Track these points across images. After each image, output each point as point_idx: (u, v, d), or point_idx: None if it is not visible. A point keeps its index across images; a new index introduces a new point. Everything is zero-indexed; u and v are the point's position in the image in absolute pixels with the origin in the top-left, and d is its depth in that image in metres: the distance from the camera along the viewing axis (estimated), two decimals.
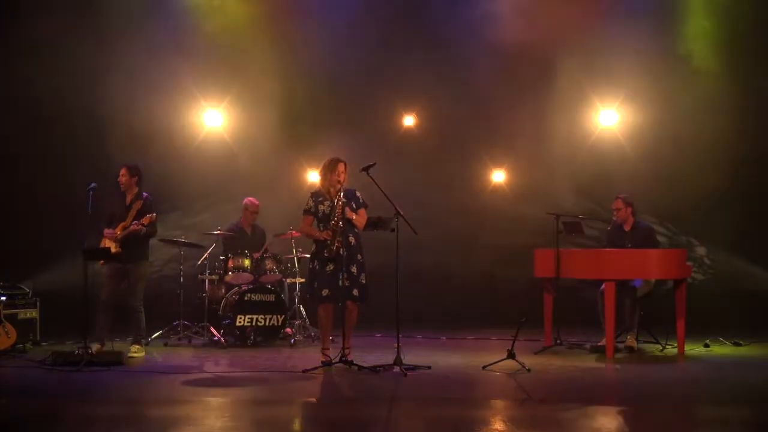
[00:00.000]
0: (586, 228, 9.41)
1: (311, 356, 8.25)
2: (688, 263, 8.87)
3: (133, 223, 8.39)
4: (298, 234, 9.74)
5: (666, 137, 11.21)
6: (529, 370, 7.58)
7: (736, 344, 9.25)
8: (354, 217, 7.73)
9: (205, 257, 9.85)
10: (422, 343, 9.62)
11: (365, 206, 7.90)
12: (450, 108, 11.45)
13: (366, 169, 7.72)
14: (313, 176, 11.50)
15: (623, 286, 8.67)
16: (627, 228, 9.14)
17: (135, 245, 8.52)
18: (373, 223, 7.78)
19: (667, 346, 8.83)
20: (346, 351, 7.83)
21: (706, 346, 9.08)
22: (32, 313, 9.13)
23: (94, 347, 8.26)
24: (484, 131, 11.49)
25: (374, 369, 7.61)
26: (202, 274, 9.80)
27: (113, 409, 6.38)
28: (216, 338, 9.36)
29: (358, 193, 7.90)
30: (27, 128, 11.19)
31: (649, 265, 8.46)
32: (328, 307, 7.82)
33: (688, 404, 6.60)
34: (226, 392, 7.02)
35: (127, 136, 11.07)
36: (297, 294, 9.79)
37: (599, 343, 8.79)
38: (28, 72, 11.04)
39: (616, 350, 8.50)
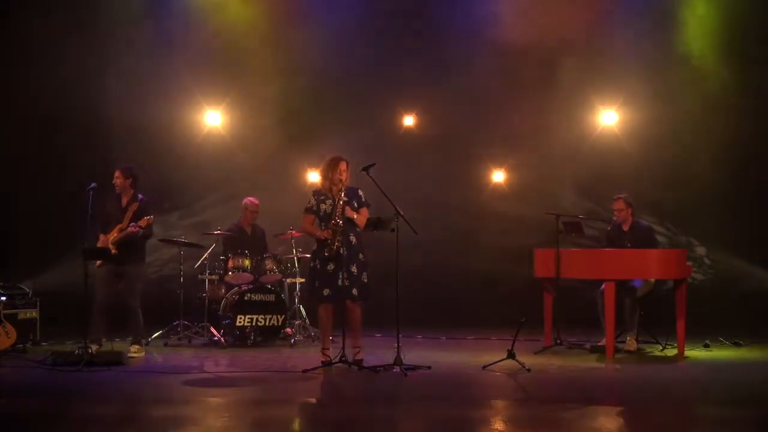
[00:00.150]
0: (586, 228, 9.41)
1: (311, 356, 8.25)
2: (688, 263, 8.87)
3: (131, 225, 8.38)
4: (298, 234, 9.75)
5: (666, 137, 11.21)
6: (529, 370, 7.57)
7: (736, 344, 9.25)
8: (355, 216, 7.73)
9: (205, 257, 9.85)
10: (422, 343, 9.63)
11: (367, 205, 7.89)
12: (450, 108, 11.45)
13: (366, 169, 7.72)
14: (313, 176, 11.52)
15: (623, 286, 8.67)
16: (626, 228, 9.14)
17: (131, 247, 8.51)
18: (373, 224, 7.78)
19: (667, 346, 8.83)
20: (355, 351, 7.83)
21: (706, 346, 9.07)
22: (32, 313, 9.13)
23: (93, 348, 8.25)
24: (484, 131, 11.49)
25: (374, 369, 7.61)
26: (202, 274, 9.80)
27: (113, 409, 6.38)
28: (216, 338, 9.36)
29: (360, 192, 7.89)
30: (27, 128, 11.20)
31: (649, 265, 8.45)
32: (328, 306, 7.82)
33: (688, 404, 6.60)
34: (226, 392, 7.02)
35: (127, 136, 11.10)
36: (297, 294, 9.79)
37: (599, 343, 8.79)
38: (29, 72, 11.05)
39: (616, 350, 8.50)
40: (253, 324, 9.26)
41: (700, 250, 11.49)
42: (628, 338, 8.82)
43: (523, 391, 6.89)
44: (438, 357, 8.50)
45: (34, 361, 8.10)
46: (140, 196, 8.64)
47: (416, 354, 8.45)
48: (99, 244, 8.50)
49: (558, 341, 8.96)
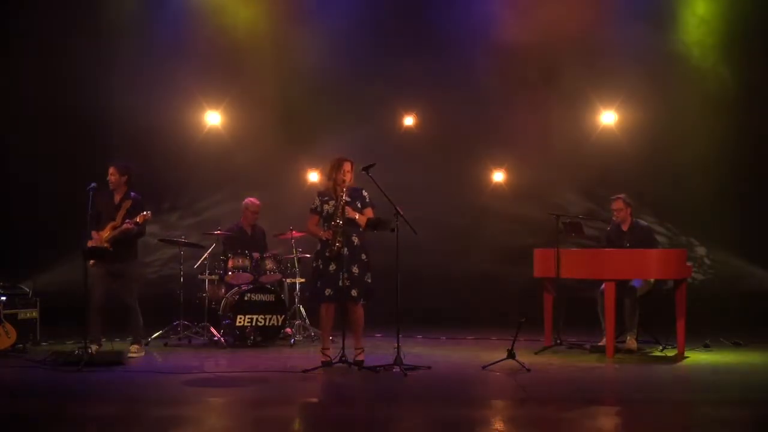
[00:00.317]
0: (586, 228, 9.41)
1: (311, 356, 8.25)
2: (688, 263, 8.87)
3: (126, 221, 8.37)
4: (298, 234, 9.76)
5: (666, 137, 11.21)
6: (529, 370, 7.58)
7: (736, 344, 9.25)
8: (357, 216, 7.73)
9: (205, 257, 9.85)
10: (422, 343, 9.63)
11: (371, 206, 7.89)
12: (450, 108, 11.45)
13: (366, 169, 7.74)
14: (313, 176, 11.54)
15: (623, 286, 8.67)
16: (625, 228, 9.14)
17: (125, 245, 8.50)
18: (373, 224, 7.78)
19: (667, 347, 8.83)
20: (357, 351, 7.84)
21: (706, 346, 9.07)
22: (32, 313, 9.12)
23: (93, 348, 8.25)
24: (484, 131, 11.49)
25: (374, 369, 7.61)
26: (202, 274, 9.80)
27: (113, 409, 6.38)
28: (216, 338, 9.36)
29: (364, 193, 7.90)
30: (27, 128, 11.20)
31: (648, 265, 8.45)
32: (329, 306, 7.83)
33: (688, 404, 6.59)
34: (226, 392, 7.02)
35: (127, 136, 11.11)
36: (297, 294, 9.79)
37: (599, 343, 8.79)
38: (29, 72, 11.06)
39: (616, 350, 8.50)
40: (253, 324, 9.26)
41: (700, 250, 11.49)
42: (628, 338, 8.82)
43: (523, 391, 6.89)
44: (438, 357, 8.51)
45: (34, 361, 8.09)
46: (133, 193, 8.62)
47: (416, 354, 8.46)
48: (93, 242, 8.45)
49: (558, 341, 8.96)
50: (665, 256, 8.69)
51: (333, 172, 7.82)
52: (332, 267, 7.71)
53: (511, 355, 7.74)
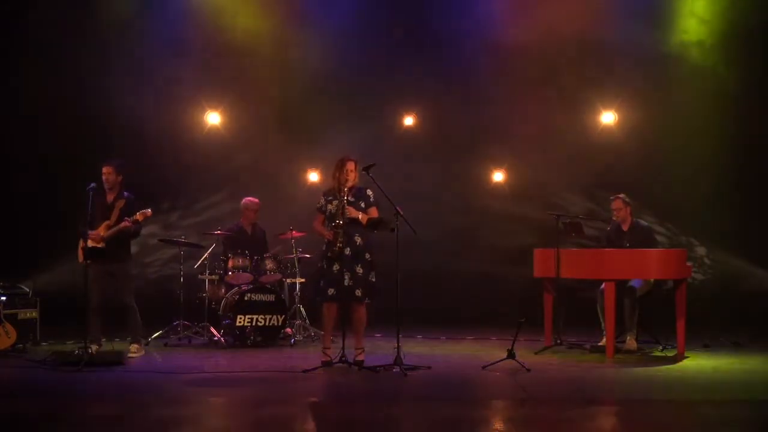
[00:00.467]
0: (586, 228, 9.41)
1: (311, 356, 8.26)
2: (688, 263, 8.86)
3: (125, 219, 8.36)
4: (298, 234, 9.76)
5: (666, 137, 11.21)
6: (529, 370, 7.58)
7: (736, 344, 9.25)
8: (359, 216, 7.74)
9: (205, 257, 9.85)
10: (422, 343, 9.63)
11: (376, 205, 7.90)
12: (450, 108, 11.46)
13: (366, 169, 7.77)
14: (313, 176, 11.54)
15: (622, 286, 8.67)
16: (625, 228, 9.14)
17: (119, 244, 8.50)
18: (372, 223, 7.79)
19: (667, 346, 8.83)
20: (357, 351, 7.85)
21: (706, 346, 9.07)
22: (32, 313, 9.11)
23: (93, 348, 8.25)
24: (484, 131, 11.49)
25: (374, 369, 7.61)
26: (202, 274, 9.80)
27: (113, 409, 6.38)
28: (216, 338, 9.36)
29: (369, 192, 7.91)
30: (27, 129, 11.20)
31: (648, 265, 8.45)
32: (331, 306, 7.84)
33: (688, 404, 6.59)
34: (226, 392, 7.02)
35: (127, 136, 11.10)
36: (297, 294, 9.79)
37: (599, 343, 8.79)
38: (29, 73, 11.05)
39: (616, 350, 8.50)
40: (253, 324, 9.26)
41: (700, 250, 11.48)
42: (627, 338, 8.82)
43: (523, 391, 6.89)
44: (438, 357, 8.51)
45: (34, 361, 8.09)
46: (126, 193, 8.62)
47: (416, 354, 8.46)
48: (90, 242, 8.43)
49: (558, 341, 8.96)
50: (665, 256, 8.69)
51: (336, 171, 7.85)
52: (335, 267, 7.73)
53: (511, 355, 7.74)
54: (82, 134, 11.03)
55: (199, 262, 9.94)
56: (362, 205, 7.83)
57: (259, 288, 9.38)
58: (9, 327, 8.68)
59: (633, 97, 11.20)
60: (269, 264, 9.62)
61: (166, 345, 9.33)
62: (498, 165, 11.64)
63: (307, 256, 9.80)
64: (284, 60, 11.38)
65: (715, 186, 11.07)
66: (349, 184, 7.78)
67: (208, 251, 9.87)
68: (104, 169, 8.55)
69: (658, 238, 10.14)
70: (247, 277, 9.50)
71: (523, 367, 7.62)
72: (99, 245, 8.35)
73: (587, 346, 8.99)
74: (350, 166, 7.81)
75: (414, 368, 7.63)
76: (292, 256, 9.80)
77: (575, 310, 9.49)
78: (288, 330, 9.64)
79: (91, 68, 11.02)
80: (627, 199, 9.13)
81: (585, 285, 9.42)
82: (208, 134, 11.61)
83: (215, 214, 11.53)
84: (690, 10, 11.19)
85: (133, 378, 7.51)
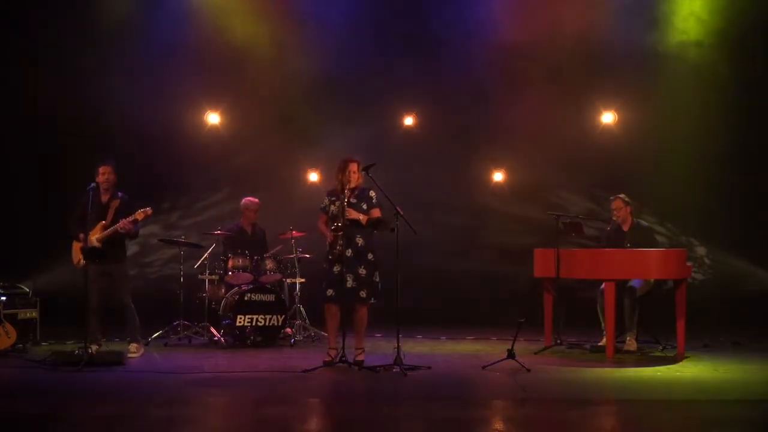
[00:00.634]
0: (586, 228, 9.41)
1: (311, 356, 8.26)
2: (688, 263, 8.87)
3: (130, 220, 8.35)
4: (298, 234, 9.76)
5: (666, 136, 11.20)
6: (529, 370, 7.58)
7: (736, 344, 9.25)
8: (359, 218, 7.74)
9: (205, 257, 9.85)
10: (422, 343, 9.63)
11: (378, 207, 7.90)
12: (450, 108, 11.45)
13: (366, 169, 7.77)
14: (313, 176, 11.54)
15: (623, 286, 8.67)
16: (625, 228, 9.14)
17: (116, 245, 8.51)
18: (372, 223, 7.80)
19: (667, 346, 8.83)
20: (357, 351, 7.86)
21: (706, 346, 9.07)
22: (32, 313, 9.11)
23: (93, 348, 8.25)
24: (484, 131, 11.49)
25: (374, 369, 7.61)
26: (202, 274, 9.80)
27: (113, 409, 6.37)
28: (216, 338, 9.36)
29: (371, 193, 7.91)
30: (27, 129, 11.19)
31: (648, 265, 8.45)
32: (331, 306, 7.86)
33: (688, 404, 6.59)
34: (226, 392, 7.02)
35: (127, 136, 11.10)
36: (297, 294, 9.79)
37: (599, 343, 8.79)
38: (29, 72, 11.05)
39: (616, 350, 8.49)
40: (253, 324, 9.26)
41: (700, 250, 11.48)
42: (627, 338, 8.81)
43: (523, 391, 6.89)
44: (438, 357, 8.51)
45: (34, 361, 8.09)
46: (120, 193, 8.61)
47: (416, 354, 8.46)
48: (78, 240, 8.43)
49: (558, 341, 8.96)
50: (665, 256, 8.69)
51: (338, 172, 7.88)
52: (336, 268, 7.74)
53: (511, 355, 7.74)
54: (82, 134, 11.03)
55: (199, 262, 9.94)
56: (364, 206, 7.83)
57: (259, 288, 9.37)
58: (9, 327, 8.68)
59: (633, 97, 11.19)
60: (269, 264, 9.62)
61: (166, 345, 9.33)
62: (498, 165, 11.63)
63: (307, 256, 9.80)
64: (284, 60, 11.37)
65: (715, 186, 11.07)
66: (352, 185, 7.79)
67: (208, 251, 9.87)
68: (103, 169, 8.54)
69: (658, 238, 10.13)
70: (247, 277, 9.50)
71: (523, 367, 7.62)
72: (97, 246, 8.34)
73: (587, 346, 8.99)
74: (353, 167, 7.82)
75: (414, 368, 7.63)
76: (292, 256, 9.80)
77: (575, 310, 9.49)
78: (288, 330, 9.63)
79: (91, 68, 11.02)
80: (627, 199, 9.13)
81: (585, 285, 9.42)
82: (208, 134, 11.60)
83: (215, 214, 11.53)
84: (689, 10, 11.18)
85: (133, 378, 7.51)
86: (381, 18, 11.40)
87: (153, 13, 11.23)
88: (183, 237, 10.05)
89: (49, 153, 11.12)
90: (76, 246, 8.55)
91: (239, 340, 9.26)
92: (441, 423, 6.05)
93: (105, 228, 8.42)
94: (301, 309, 9.83)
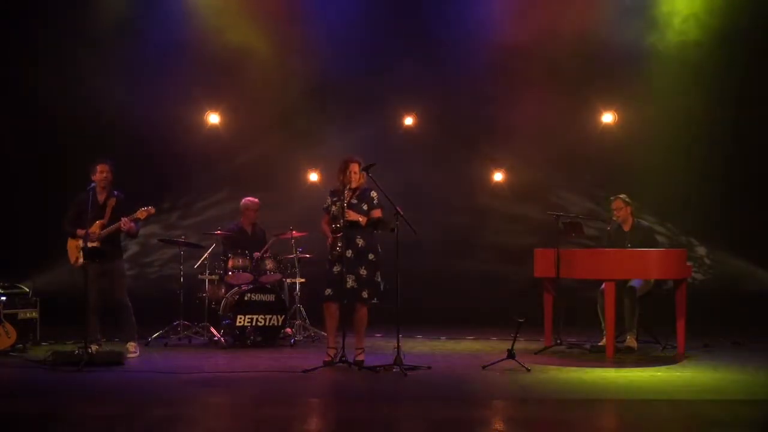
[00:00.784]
0: (586, 228, 9.41)
1: (311, 356, 8.26)
2: (688, 263, 8.87)
3: (129, 217, 8.35)
4: (298, 234, 9.76)
5: (666, 136, 11.20)
6: (529, 370, 7.58)
7: (736, 344, 9.25)
8: (359, 219, 7.74)
9: (205, 257, 9.85)
10: (422, 343, 9.63)
11: (380, 207, 7.90)
12: (450, 108, 11.46)
13: (366, 169, 7.77)
14: (313, 176, 11.54)
15: (623, 286, 8.67)
16: (626, 228, 9.14)
17: (113, 243, 8.50)
18: (372, 224, 7.80)
19: (667, 346, 8.83)
20: (357, 351, 7.86)
21: (706, 346, 9.07)
22: (32, 313, 9.10)
23: (93, 348, 8.24)
24: (484, 131, 11.49)
25: (374, 369, 7.61)
26: (202, 274, 9.80)
27: (113, 409, 6.37)
28: (216, 338, 9.35)
29: (373, 194, 7.91)
30: (27, 129, 11.19)
31: (648, 265, 8.45)
32: (329, 306, 7.86)
33: (688, 404, 6.59)
34: (226, 392, 7.01)
35: (127, 136, 11.10)
36: (297, 294, 9.79)
37: (599, 343, 8.79)
38: (29, 72, 11.05)
39: (616, 350, 8.49)
40: (253, 324, 9.26)
41: (700, 250, 11.48)
42: (627, 338, 8.81)
43: (523, 391, 6.89)
44: (438, 357, 8.51)
45: (34, 361, 8.09)
46: (116, 192, 8.61)
47: (416, 354, 8.46)
48: (76, 238, 8.41)
49: (558, 341, 8.96)
50: (665, 256, 8.69)
51: (339, 173, 7.90)
52: (336, 269, 7.75)
53: (511, 355, 7.74)
54: (81, 134, 11.03)
55: (199, 262, 9.93)
56: (365, 207, 7.83)
57: (259, 288, 9.37)
58: (9, 327, 8.68)
59: (633, 97, 11.19)
60: (269, 264, 9.62)
61: (166, 345, 9.33)
62: (498, 165, 11.63)
63: (307, 256, 9.80)
64: (284, 60, 11.37)
65: (716, 186, 11.07)
66: (353, 185, 7.80)
67: (208, 251, 9.87)
68: (101, 167, 8.51)
69: (659, 238, 10.13)
70: (247, 277, 9.50)
71: (523, 367, 7.62)
72: (96, 245, 8.34)
73: (587, 346, 8.99)
74: (354, 167, 7.81)
75: (414, 368, 7.63)
76: (292, 256, 9.80)
77: (575, 310, 9.49)
78: (288, 330, 9.63)
79: (90, 68, 11.01)
80: (627, 199, 9.13)
81: (585, 285, 9.42)
82: (208, 134, 11.60)
83: (215, 214, 11.53)
84: (689, 10, 11.17)
85: (133, 378, 7.51)
86: (381, 18, 11.39)
87: (153, 13, 11.23)
88: (183, 237, 10.05)
89: (49, 153, 11.12)
90: (72, 244, 8.56)
91: (239, 340, 9.26)
92: (441, 423, 6.05)
93: (103, 227, 8.41)
94: (301, 309, 9.83)
